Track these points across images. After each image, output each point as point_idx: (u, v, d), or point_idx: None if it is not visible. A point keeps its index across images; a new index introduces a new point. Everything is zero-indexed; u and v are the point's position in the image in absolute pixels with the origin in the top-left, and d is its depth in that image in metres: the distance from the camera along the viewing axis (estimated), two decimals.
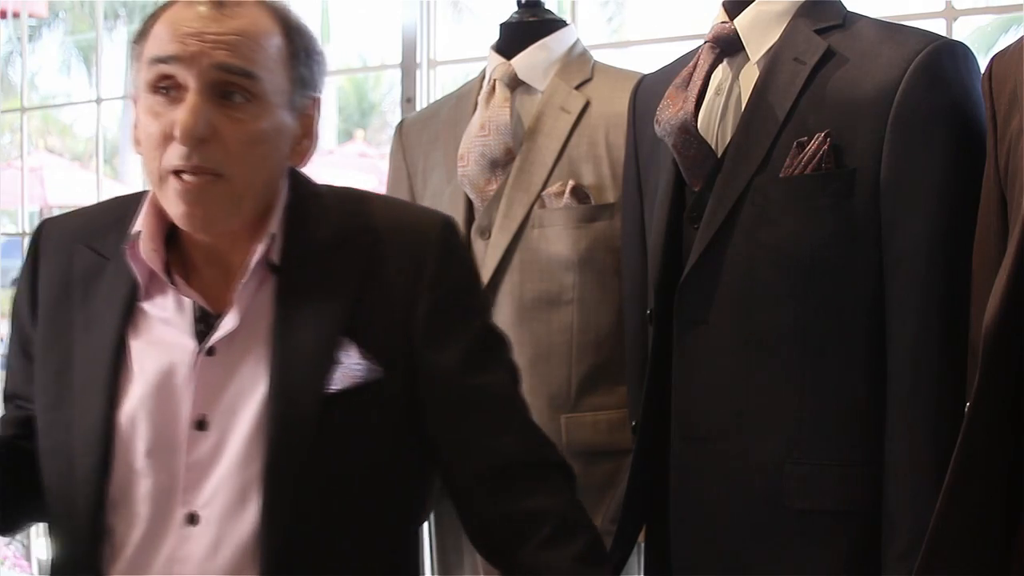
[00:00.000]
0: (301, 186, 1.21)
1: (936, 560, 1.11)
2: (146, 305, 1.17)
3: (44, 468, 1.19)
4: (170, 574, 1.12)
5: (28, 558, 3.30)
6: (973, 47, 1.32)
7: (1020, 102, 1.15)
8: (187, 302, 1.16)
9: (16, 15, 3.71)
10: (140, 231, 1.15)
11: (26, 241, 3.37)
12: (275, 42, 1.12)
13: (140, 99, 1.13)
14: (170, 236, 1.18)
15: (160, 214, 1.16)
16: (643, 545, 1.54)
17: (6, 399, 1.31)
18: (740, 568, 1.34)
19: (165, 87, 1.10)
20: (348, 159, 11.22)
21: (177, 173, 1.09)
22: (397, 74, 2.44)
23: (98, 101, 3.08)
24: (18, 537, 3.57)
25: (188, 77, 1.08)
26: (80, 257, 1.21)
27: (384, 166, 2.02)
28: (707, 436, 1.35)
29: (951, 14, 1.80)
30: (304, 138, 1.19)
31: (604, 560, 1.20)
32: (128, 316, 1.17)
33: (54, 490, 1.18)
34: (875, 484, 1.28)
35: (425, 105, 2.29)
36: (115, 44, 14.04)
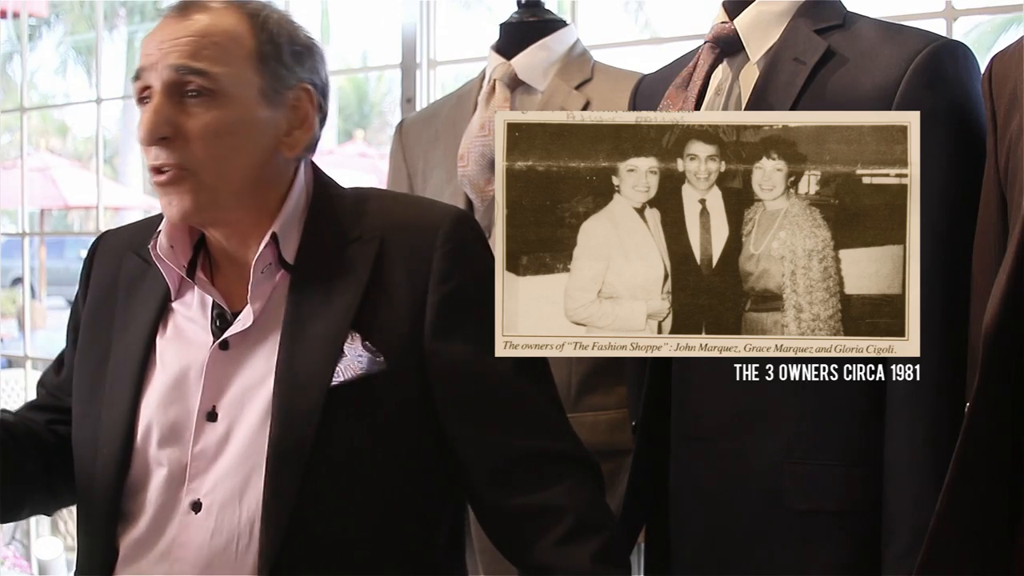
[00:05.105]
0: (324, 188, 1.26)
1: (936, 560, 1.11)
2: (176, 304, 1.25)
3: (75, 456, 1.26)
4: (168, 558, 1.17)
5: (28, 558, 3.30)
6: (973, 47, 1.32)
7: (1020, 102, 1.15)
8: (209, 300, 1.22)
9: (16, 15, 3.71)
10: (160, 230, 1.21)
11: (26, 241, 3.38)
12: (236, 39, 1.18)
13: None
14: (202, 240, 1.25)
15: None
16: (643, 545, 1.54)
17: (40, 385, 1.40)
18: (740, 568, 1.34)
19: (145, 97, 1.18)
20: (348, 159, 11.23)
21: (155, 171, 1.17)
22: (397, 74, 2.44)
23: (98, 101, 3.08)
24: (18, 537, 3.57)
25: (153, 82, 1.16)
26: (128, 263, 1.29)
27: (384, 166, 2.02)
28: (707, 436, 1.35)
29: (951, 14, 1.80)
30: (296, 129, 1.22)
31: (622, 561, 1.20)
32: (160, 315, 1.24)
33: (80, 477, 1.24)
34: (875, 484, 1.28)
35: (425, 105, 2.29)
36: (115, 44, 14.01)
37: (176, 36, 1.16)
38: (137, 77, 1.18)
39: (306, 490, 1.13)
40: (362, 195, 1.28)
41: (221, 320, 1.21)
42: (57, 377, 1.37)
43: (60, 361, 1.38)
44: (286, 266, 1.20)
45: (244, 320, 1.19)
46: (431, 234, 1.21)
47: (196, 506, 1.16)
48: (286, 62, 1.20)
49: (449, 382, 1.19)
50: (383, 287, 1.19)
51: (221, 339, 1.19)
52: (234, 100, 1.16)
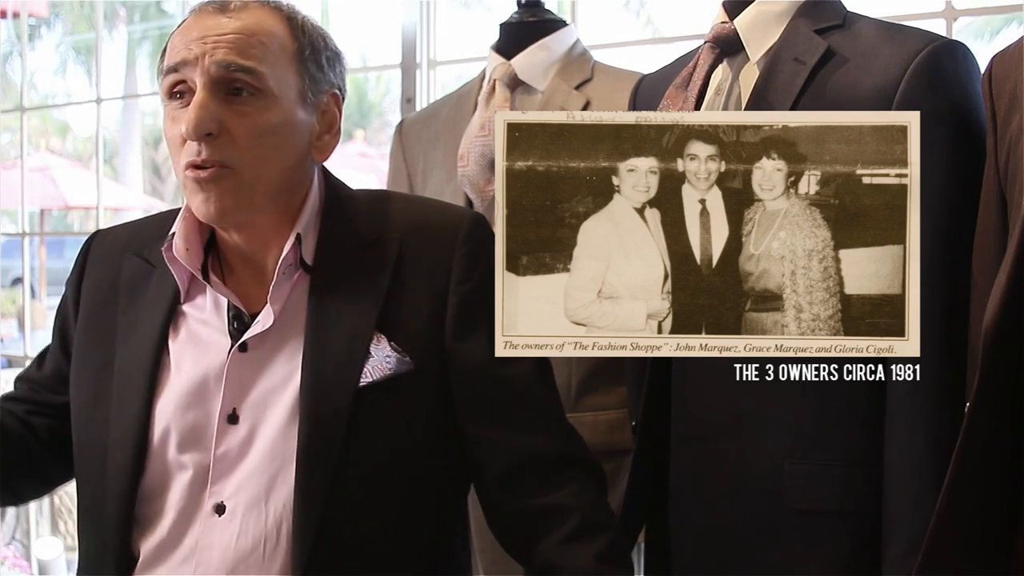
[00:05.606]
0: (335, 189, 1.26)
1: (936, 560, 1.11)
2: (186, 307, 1.24)
3: (77, 462, 1.25)
4: (192, 561, 1.16)
5: (28, 558, 3.30)
6: (968, 41, 1.32)
7: (1020, 102, 1.15)
8: (223, 302, 1.21)
9: (16, 15, 3.71)
10: (174, 232, 1.20)
11: (26, 241, 3.38)
12: (279, 39, 1.17)
13: (164, 108, 1.18)
14: (211, 241, 1.24)
15: (197, 218, 1.21)
16: (643, 545, 1.54)
17: (20, 379, 1.38)
18: (740, 568, 1.34)
19: (179, 92, 1.16)
20: (348, 159, 11.21)
21: (193, 168, 1.14)
22: (397, 74, 2.44)
23: (98, 101, 3.08)
24: (18, 537, 3.57)
25: (195, 77, 1.14)
26: (128, 265, 1.28)
27: (384, 166, 2.02)
28: (707, 436, 1.36)
29: (951, 14, 1.80)
30: (325, 133, 1.23)
31: (625, 562, 1.21)
32: (170, 318, 1.22)
33: (86, 483, 1.23)
34: (875, 484, 1.28)
35: (425, 105, 2.29)
36: (115, 44, 14.01)
37: (220, 32, 1.14)
38: (173, 70, 1.15)
39: (335, 491, 1.14)
40: (376, 197, 1.29)
41: (238, 322, 1.20)
42: (39, 372, 1.36)
43: (42, 357, 1.37)
44: (305, 267, 1.20)
45: (264, 321, 1.18)
46: (451, 235, 1.22)
47: (220, 508, 1.16)
48: (322, 66, 1.21)
49: (468, 382, 1.20)
50: (404, 288, 1.20)
51: (240, 341, 1.19)
52: (278, 101, 1.16)
